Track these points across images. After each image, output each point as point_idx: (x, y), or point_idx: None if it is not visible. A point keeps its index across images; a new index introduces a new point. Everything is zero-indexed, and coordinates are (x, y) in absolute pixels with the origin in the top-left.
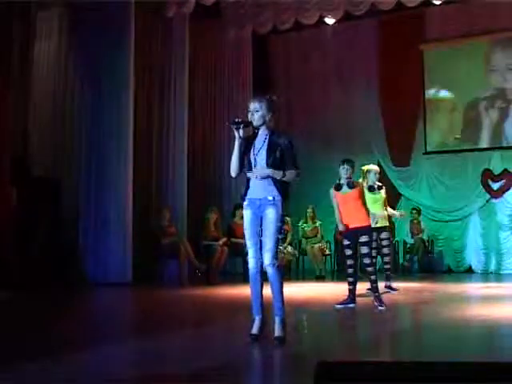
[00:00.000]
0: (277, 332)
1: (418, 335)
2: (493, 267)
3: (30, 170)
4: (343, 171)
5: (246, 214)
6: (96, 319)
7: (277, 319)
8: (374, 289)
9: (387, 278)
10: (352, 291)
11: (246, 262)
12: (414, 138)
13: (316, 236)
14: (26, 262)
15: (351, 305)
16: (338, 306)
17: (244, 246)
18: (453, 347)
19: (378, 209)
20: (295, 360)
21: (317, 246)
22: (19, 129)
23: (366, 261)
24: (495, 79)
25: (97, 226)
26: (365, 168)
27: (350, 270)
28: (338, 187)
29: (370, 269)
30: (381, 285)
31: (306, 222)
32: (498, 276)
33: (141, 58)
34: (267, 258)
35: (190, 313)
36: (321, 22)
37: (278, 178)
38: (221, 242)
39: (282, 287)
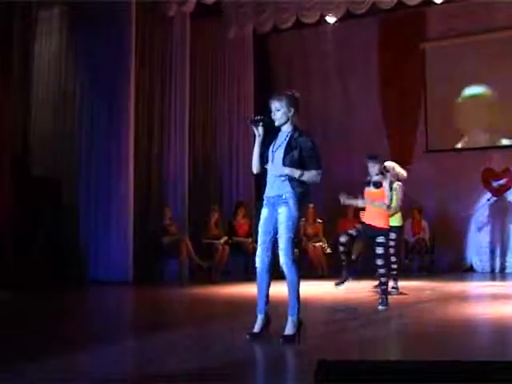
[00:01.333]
0: (286, 330)
1: (419, 334)
2: (494, 266)
3: (30, 170)
4: (370, 169)
5: (263, 211)
6: (96, 319)
7: (289, 318)
8: (382, 290)
9: (393, 279)
10: (385, 291)
11: (246, 261)
12: (416, 136)
13: (317, 235)
14: (26, 262)
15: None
16: (381, 307)
17: (250, 244)
18: (454, 346)
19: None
20: (296, 359)
21: (318, 245)
22: (19, 129)
23: (379, 262)
24: (496, 77)
25: (97, 225)
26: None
27: (382, 271)
28: (367, 184)
29: (382, 270)
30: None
31: (306, 221)
32: (499, 275)
33: (141, 58)
34: (280, 258)
35: (190, 312)
36: (322, 20)
37: (296, 177)
38: (222, 241)
39: (297, 287)
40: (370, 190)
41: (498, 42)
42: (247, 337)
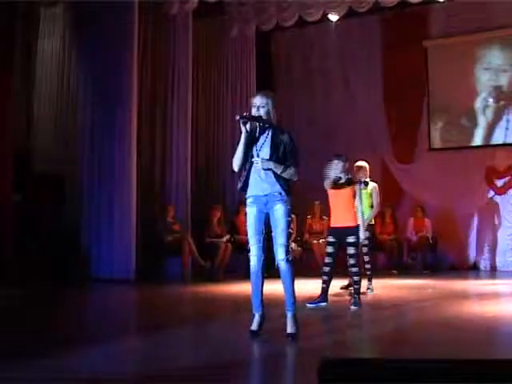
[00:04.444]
0: (289, 328)
1: (422, 333)
2: (496, 264)
3: (32, 168)
4: (334, 166)
5: (251, 211)
6: (98, 317)
7: (288, 314)
8: (355, 289)
9: (368, 280)
10: (325, 290)
11: (248, 259)
12: (418, 134)
13: (322, 232)
14: (27, 260)
15: (323, 303)
16: (310, 305)
17: (247, 243)
18: (456, 345)
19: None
20: (298, 357)
21: (321, 241)
22: (22, 127)
23: (352, 261)
24: (499, 76)
25: (100, 223)
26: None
27: (327, 269)
28: (334, 182)
29: (354, 269)
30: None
31: (313, 218)
32: (501, 273)
33: (144, 56)
34: (281, 253)
35: (192, 310)
36: (324, 18)
37: (278, 173)
38: (224, 239)
39: (293, 282)
40: (336, 189)
41: (500, 40)
42: (247, 335)
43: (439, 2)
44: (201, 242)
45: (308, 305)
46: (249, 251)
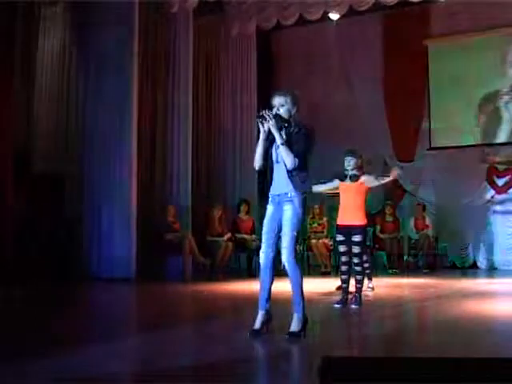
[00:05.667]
0: (291, 327)
1: (422, 332)
2: (497, 263)
3: (32, 168)
4: (345, 162)
5: (269, 209)
6: (98, 316)
7: (294, 315)
8: (357, 288)
9: (368, 279)
10: (345, 290)
11: (249, 258)
12: (419, 133)
13: (322, 232)
14: (28, 259)
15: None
16: (337, 305)
17: (253, 241)
18: (457, 343)
19: None
20: (299, 356)
21: (321, 241)
22: (22, 126)
23: (356, 260)
24: (499, 75)
25: (101, 222)
26: None
27: (344, 268)
28: (343, 178)
29: (358, 268)
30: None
31: (313, 218)
32: (502, 272)
33: (145, 55)
34: (284, 255)
35: (193, 309)
36: (325, 17)
37: (278, 143)
38: (225, 238)
39: (301, 283)
40: (345, 184)
41: (500, 39)
42: (248, 334)
43: (440, 1)
44: (202, 241)
45: (335, 305)
46: (259, 249)
